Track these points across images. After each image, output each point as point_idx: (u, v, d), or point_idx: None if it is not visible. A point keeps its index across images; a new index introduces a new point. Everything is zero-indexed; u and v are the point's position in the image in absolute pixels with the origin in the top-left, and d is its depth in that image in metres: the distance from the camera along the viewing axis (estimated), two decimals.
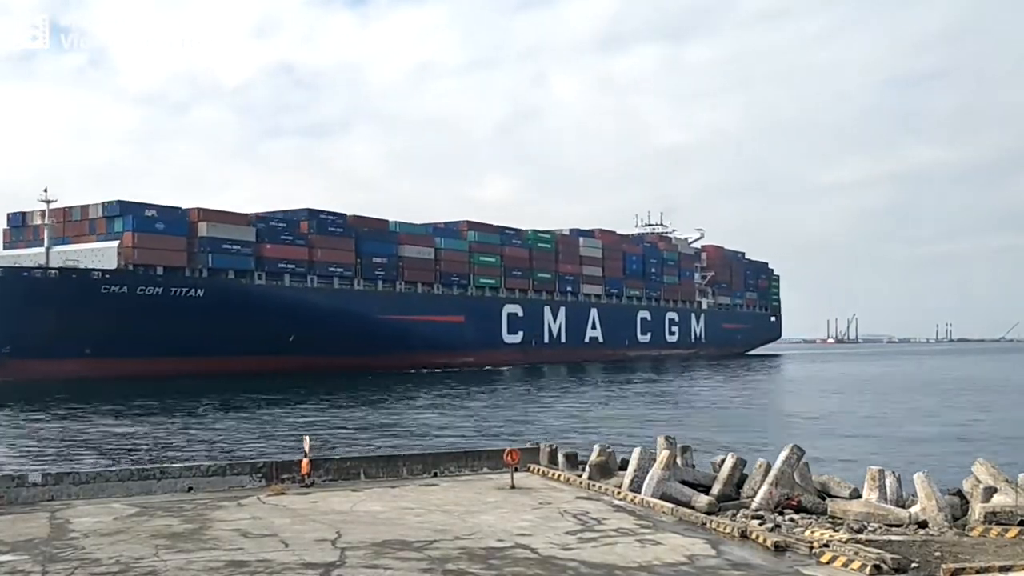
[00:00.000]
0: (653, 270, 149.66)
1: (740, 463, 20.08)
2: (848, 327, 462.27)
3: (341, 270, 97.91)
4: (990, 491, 16.97)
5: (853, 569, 12.72)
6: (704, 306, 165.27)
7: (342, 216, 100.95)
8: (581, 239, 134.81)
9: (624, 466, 20.79)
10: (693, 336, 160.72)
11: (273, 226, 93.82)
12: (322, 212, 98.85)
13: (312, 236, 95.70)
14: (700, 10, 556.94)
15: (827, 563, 13.17)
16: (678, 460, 20.19)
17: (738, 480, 19.88)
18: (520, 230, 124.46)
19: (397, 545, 14.09)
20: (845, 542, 14.02)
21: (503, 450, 21.24)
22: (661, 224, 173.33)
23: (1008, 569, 12.23)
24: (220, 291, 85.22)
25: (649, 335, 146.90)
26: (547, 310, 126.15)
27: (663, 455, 19.22)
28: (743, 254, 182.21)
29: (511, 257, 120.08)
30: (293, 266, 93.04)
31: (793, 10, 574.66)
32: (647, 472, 18.99)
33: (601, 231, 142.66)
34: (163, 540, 14.37)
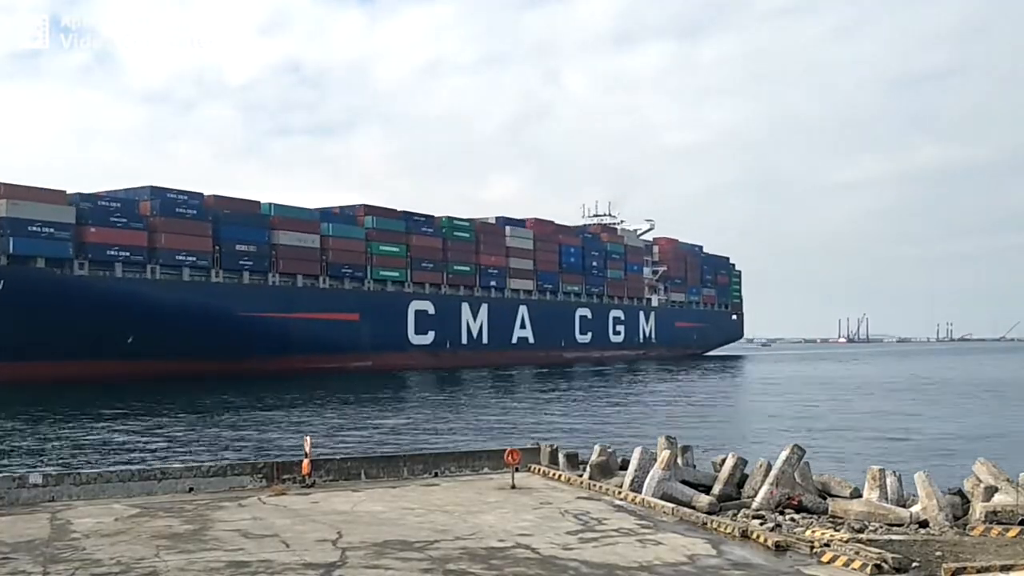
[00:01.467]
0: (595, 263, 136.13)
1: (741, 463, 20.10)
2: (859, 327, 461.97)
3: (193, 259, 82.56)
4: (991, 490, 16.97)
5: (854, 569, 12.72)
6: (655, 303, 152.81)
7: (197, 196, 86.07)
8: (508, 228, 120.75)
9: (625, 466, 20.81)
10: (642, 336, 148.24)
11: (103, 206, 78.80)
12: (170, 191, 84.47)
13: (155, 219, 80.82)
14: (715, 5, 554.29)
15: (828, 563, 13.16)
16: (679, 460, 20.21)
17: (739, 480, 19.89)
18: (432, 216, 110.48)
19: (398, 545, 14.09)
20: (846, 542, 14.02)
21: (504, 450, 21.24)
22: (609, 214, 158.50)
23: (1009, 568, 12.23)
24: (24, 282, 70.76)
25: (590, 335, 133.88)
26: (465, 307, 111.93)
27: (664, 455, 19.24)
28: (701, 248, 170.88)
29: (420, 247, 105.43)
30: (127, 253, 78.14)
31: (808, 6, 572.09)
32: (648, 472, 19.00)
33: (536, 220, 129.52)
34: (164, 541, 14.37)
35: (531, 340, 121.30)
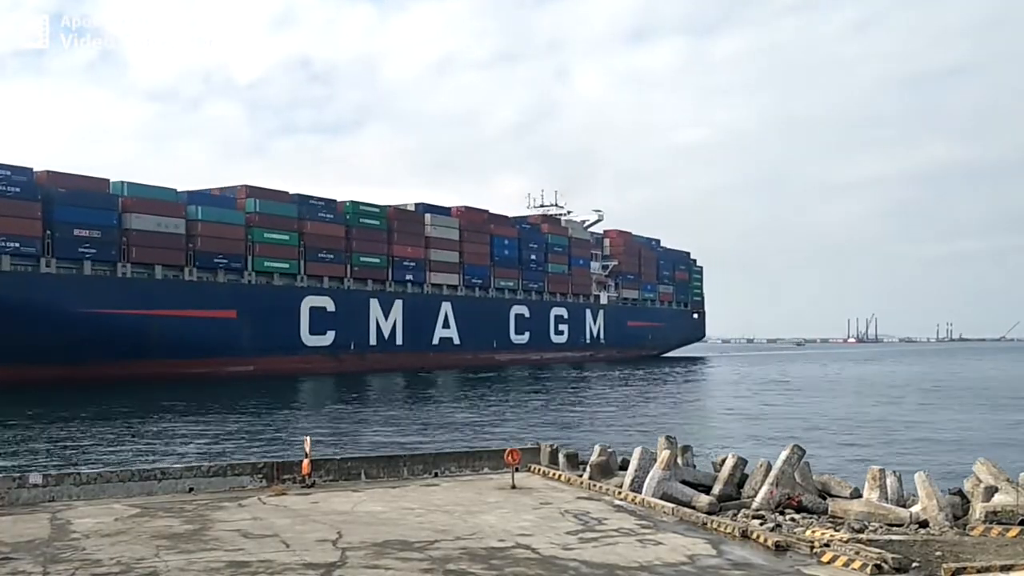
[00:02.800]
0: (533, 257, 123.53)
1: (741, 463, 20.11)
2: (867, 327, 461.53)
3: (16, 245, 69.10)
4: (991, 490, 16.98)
5: (854, 569, 12.72)
6: (604, 300, 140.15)
7: (24, 171, 71.57)
8: (428, 216, 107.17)
9: (625, 466, 20.82)
10: (588, 335, 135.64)
11: None
12: None
13: None
14: (730, 1, 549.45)
15: (828, 563, 13.17)
16: (679, 460, 20.22)
17: (739, 480, 19.91)
18: (334, 201, 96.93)
19: (398, 545, 14.09)
20: (846, 542, 14.02)
21: (504, 450, 21.26)
22: (556, 204, 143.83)
23: (1009, 568, 12.23)
24: None
25: (527, 335, 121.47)
26: (374, 304, 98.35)
27: (664, 455, 19.24)
28: (658, 241, 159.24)
29: (317, 235, 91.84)
30: None
31: (825, 3, 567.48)
32: (648, 472, 19.01)
33: (466, 208, 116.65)
34: (164, 541, 14.37)
35: (456, 341, 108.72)
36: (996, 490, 16.96)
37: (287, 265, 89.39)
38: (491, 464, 22.23)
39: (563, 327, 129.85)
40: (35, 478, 18.42)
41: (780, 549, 13.94)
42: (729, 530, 15.05)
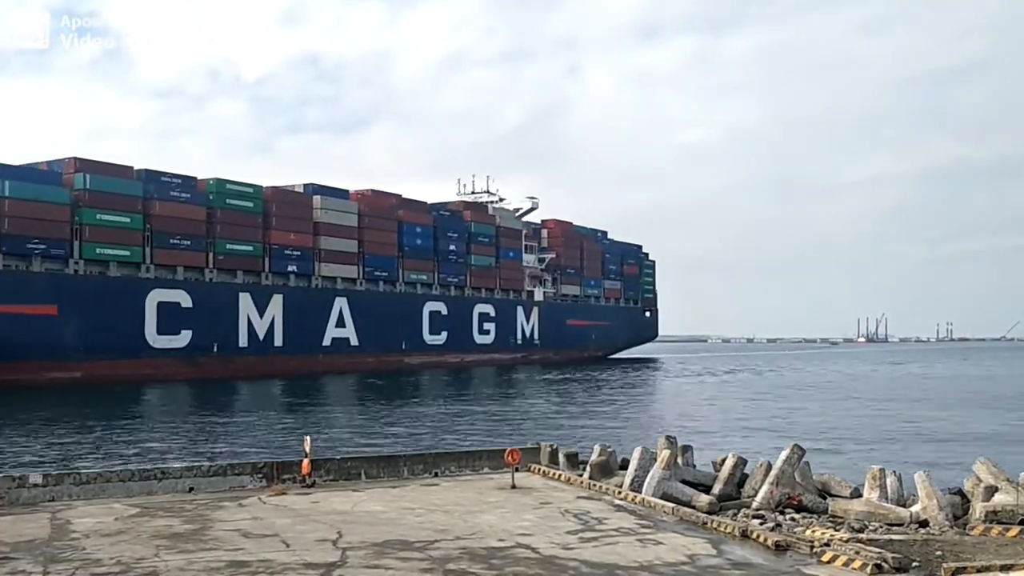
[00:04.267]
0: (452, 247, 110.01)
1: (741, 462, 20.12)
2: (877, 327, 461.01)
3: None
4: (991, 490, 16.99)
5: (854, 568, 12.72)
6: (539, 296, 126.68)
7: None
8: (318, 198, 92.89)
9: (625, 466, 20.82)
10: (521, 335, 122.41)
11: None
12: None
13: None
14: None
15: (828, 562, 13.17)
16: (679, 459, 20.22)
17: (739, 479, 19.92)
18: (193, 178, 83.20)
19: (398, 545, 14.09)
20: (846, 541, 14.03)
21: (504, 450, 21.26)
22: (488, 191, 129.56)
23: (1009, 568, 12.23)
24: None
25: (444, 335, 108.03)
26: (246, 299, 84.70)
27: (664, 455, 19.25)
28: (604, 233, 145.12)
29: (168, 217, 77.90)
30: None
31: (835, 0, 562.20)
32: (648, 472, 19.01)
33: (372, 191, 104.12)
34: (164, 540, 14.37)
35: (354, 342, 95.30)
36: (996, 490, 16.97)
37: (127, 252, 75.60)
38: (491, 464, 22.23)
39: (489, 326, 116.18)
40: (35, 478, 18.43)
41: (780, 549, 13.94)
42: (729, 530, 15.06)
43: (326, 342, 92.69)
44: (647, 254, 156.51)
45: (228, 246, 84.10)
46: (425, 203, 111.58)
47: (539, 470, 21.88)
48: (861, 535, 15.34)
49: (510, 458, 20.10)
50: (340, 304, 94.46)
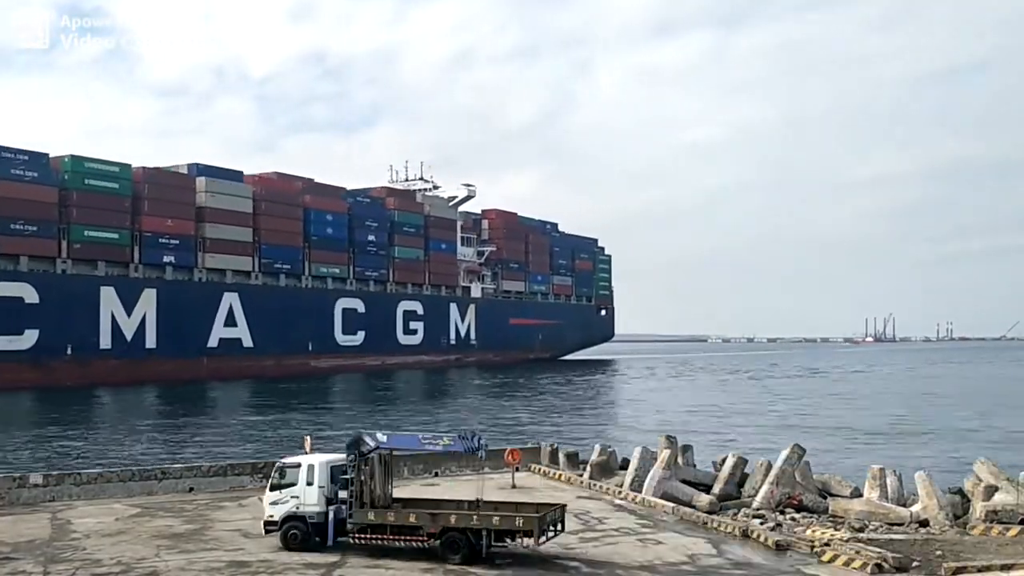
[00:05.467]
0: (372, 238, 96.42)
1: (741, 462, 20.10)
2: (885, 326, 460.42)
3: None
4: (991, 490, 16.97)
5: (855, 568, 12.71)
6: (476, 293, 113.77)
7: None
8: (203, 180, 79.82)
9: (625, 465, 20.80)
10: (455, 335, 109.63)
11: None
12: None
13: None
14: None
15: (828, 562, 13.17)
16: (679, 459, 20.21)
17: (739, 479, 19.89)
18: (45, 155, 72.75)
19: None
20: (846, 541, 14.02)
21: (504, 450, 21.23)
22: (422, 178, 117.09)
23: (1009, 567, 12.23)
24: None
25: (361, 335, 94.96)
26: (108, 294, 73.05)
27: (664, 454, 19.22)
28: (554, 225, 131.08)
29: (7, 199, 66.25)
30: None
31: None
32: (648, 471, 18.99)
33: (278, 174, 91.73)
34: (164, 540, 14.38)
35: (248, 343, 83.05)
36: (996, 489, 16.95)
37: None
38: (491, 464, 22.17)
39: (416, 325, 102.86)
40: (35, 478, 18.44)
41: (780, 548, 13.94)
42: (729, 529, 15.06)
43: (212, 343, 79.52)
44: (602, 248, 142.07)
45: (87, 233, 71.14)
46: (339, 188, 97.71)
47: (539, 470, 21.88)
48: (861, 535, 15.33)
49: (510, 458, 20.09)
50: (230, 300, 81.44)
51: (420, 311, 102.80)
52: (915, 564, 13.10)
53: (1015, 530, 15.33)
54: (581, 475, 20.74)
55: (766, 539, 14.31)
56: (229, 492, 19.08)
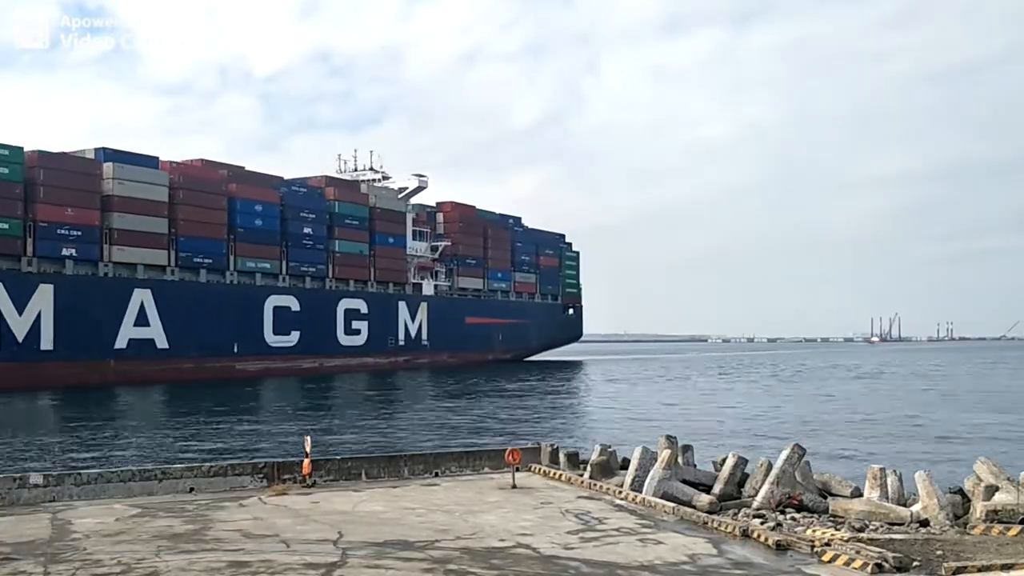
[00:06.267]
0: (308, 230, 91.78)
1: (741, 462, 20.11)
2: (891, 326, 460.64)
3: None
4: (992, 489, 16.98)
5: (855, 568, 12.72)
6: (428, 290, 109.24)
7: None
8: (110, 165, 74.14)
9: (625, 465, 20.83)
10: (404, 336, 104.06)
11: None
12: None
13: None
14: None
15: (829, 562, 13.17)
16: (679, 459, 20.22)
17: (739, 479, 19.91)
18: None
19: (399, 545, 14.09)
20: (847, 541, 14.03)
21: (504, 450, 21.26)
22: (372, 168, 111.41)
23: (1010, 567, 12.23)
24: None
25: (296, 335, 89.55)
26: None
27: (664, 454, 19.25)
28: (517, 219, 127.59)
29: None
30: None
31: None
32: (648, 471, 19.02)
33: (204, 161, 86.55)
34: (165, 541, 14.37)
35: (162, 344, 77.07)
36: (997, 489, 16.96)
37: None
38: (491, 464, 22.24)
39: (360, 325, 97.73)
40: (35, 478, 18.43)
41: (781, 548, 13.94)
42: (730, 529, 15.05)
43: (120, 344, 73.85)
44: (570, 244, 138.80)
45: None
46: (272, 177, 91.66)
47: (539, 470, 21.89)
48: (862, 535, 15.35)
49: (510, 458, 20.11)
50: (141, 297, 75.62)
51: (364, 309, 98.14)
52: (915, 564, 13.10)
53: (1015, 530, 15.34)
54: (581, 475, 20.75)
55: (766, 539, 14.31)
56: (229, 492, 19.08)
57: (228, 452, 33.84)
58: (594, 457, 21.32)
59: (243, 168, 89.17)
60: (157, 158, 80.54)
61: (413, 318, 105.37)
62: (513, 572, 12.60)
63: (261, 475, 20.11)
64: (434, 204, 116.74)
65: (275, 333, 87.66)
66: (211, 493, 18.93)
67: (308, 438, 21.69)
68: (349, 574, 12.48)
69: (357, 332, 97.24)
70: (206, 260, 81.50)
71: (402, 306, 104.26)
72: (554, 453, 22.80)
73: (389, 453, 26.69)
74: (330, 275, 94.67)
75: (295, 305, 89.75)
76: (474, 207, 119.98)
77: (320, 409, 56.05)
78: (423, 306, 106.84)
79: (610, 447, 22.33)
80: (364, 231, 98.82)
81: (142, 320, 75.70)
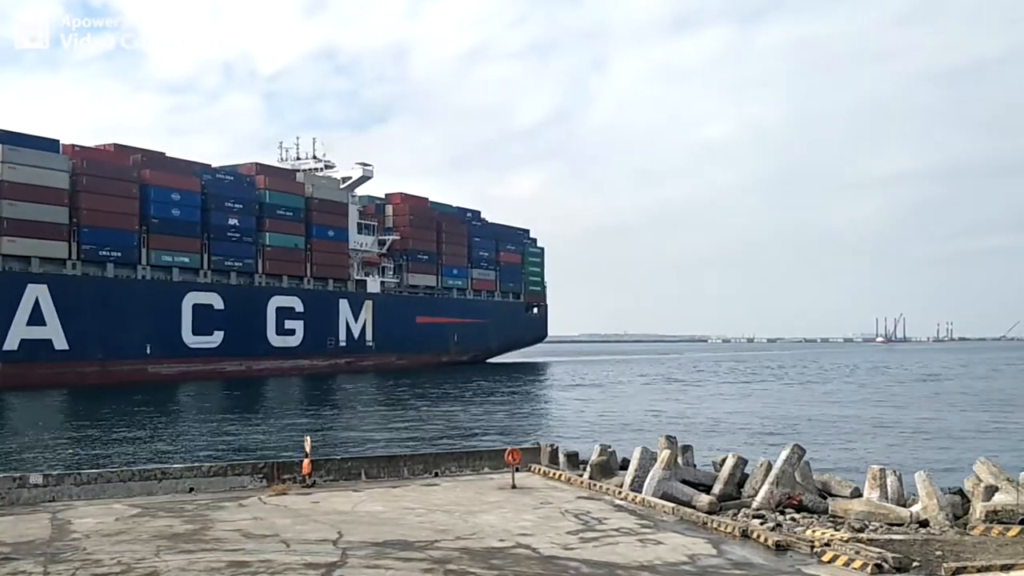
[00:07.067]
0: (234, 221, 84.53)
1: (741, 462, 20.13)
2: (896, 326, 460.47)
3: None
4: (991, 490, 16.98)
5: (854, 568, 12.72)
6: (374, 287, 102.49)
7: None
8: (0, 148, 67.81)
9: (625, 466, 20.84)
10: (346, 336, 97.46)
11: None
12: None
13: None
14: None
15: (828, 562, 13.17)
16: (679, 459, 20.23)
17: (739, 479, 19.92)
18: None
19: (398, 545, 14.09)
20: (846, 541, 14.03)
21: (504, 450, 21.27)
22: (315, 157, 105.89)
23: (1009, 568, 12.23)
24: None
25: (219, 335, 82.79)
26: None
27: (664, 455, 19.25)
28: (476, 213, 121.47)
29: None
30: None
31: None
32: (648, 472, 19.02)
33: (116, 146, 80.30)
34: (164, 541, 14.37)
35: (61, 345, 70.11)
36: (996, 489, 16.97)
37: None
38: (491, 464, 22.24)
39: (294, 324, 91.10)
40: (35, 478, 18.43)
41: (780, 549, 13.94)
42: (729, 530, 15.05)
43: (10, 346, 67.13)
44: (534, 239, 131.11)
45: None
46: (193, 163, 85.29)
47: (539, 470, 21.89)
48: (861, 535, 15.34)
49: (510, 458, 20.11)
50: (36, 293, 68.60)
51: (299, 308, 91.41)
52: (915, 564, 13.11)
53: (1015, 530, 15.34)
54: (581, 475, 20.76)
55: (766, 539, 14.31)
56: (229, 492, 19.08)
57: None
58: (594, 457, 21.33)
59: (163, 154, 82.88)
60: (58, 141, 74.12)
61: (356, 317, 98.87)
62: (513, 572, 12.59)
63: (261, 475, 20.12)
64: (383, 196, 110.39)
65: (195, 333, 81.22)
66: (211, 493, 18.92)
67: (308, 438, 21.71)
68: (349, 574, 12.48)
69: (291, 332, 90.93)
70: (114, 253, 74.63)
71: (343, 304, 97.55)
72: (554, 453, 22.80)
73: (388, 453, 26.70)
74: (259, 270, 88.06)
75: (218, 303, 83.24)
76: (427, 199, 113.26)
77: (240, 411, 52.73)
78: (367, 304, 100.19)
79: (610, 447, 22.35)
80: (299, 223, 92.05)
81: (37, 319, 68.75)
